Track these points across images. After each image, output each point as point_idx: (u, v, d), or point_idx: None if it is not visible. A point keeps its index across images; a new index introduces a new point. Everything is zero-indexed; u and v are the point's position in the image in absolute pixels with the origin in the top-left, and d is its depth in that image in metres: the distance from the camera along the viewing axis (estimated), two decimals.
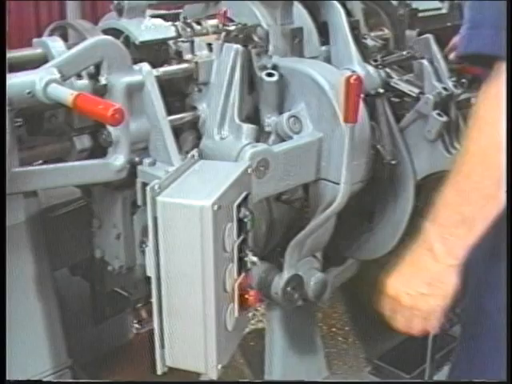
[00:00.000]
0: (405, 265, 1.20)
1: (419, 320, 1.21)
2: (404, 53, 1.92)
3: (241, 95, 1.55)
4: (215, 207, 1.18)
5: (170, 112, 1.52)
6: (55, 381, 1.60)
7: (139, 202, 1.44)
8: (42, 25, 3.57)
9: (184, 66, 1.60)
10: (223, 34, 1.64)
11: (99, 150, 1.48)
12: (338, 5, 1.87)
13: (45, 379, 1.56)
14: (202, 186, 1.24)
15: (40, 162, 1.48)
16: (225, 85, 1.54)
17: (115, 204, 1.58)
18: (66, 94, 1.27)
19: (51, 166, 1.42)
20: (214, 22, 1.77)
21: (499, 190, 1.10)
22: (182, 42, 1.63)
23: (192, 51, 1.62)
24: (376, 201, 1.82)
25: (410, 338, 2.17)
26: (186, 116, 1.60)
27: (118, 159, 1.42)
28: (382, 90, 1.75)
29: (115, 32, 1.62)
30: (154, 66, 1.53)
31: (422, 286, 1.17)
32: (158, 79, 1.50)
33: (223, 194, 1.20)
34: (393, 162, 1.76)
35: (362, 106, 1.56)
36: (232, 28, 1.66)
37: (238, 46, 1.56)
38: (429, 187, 1.85)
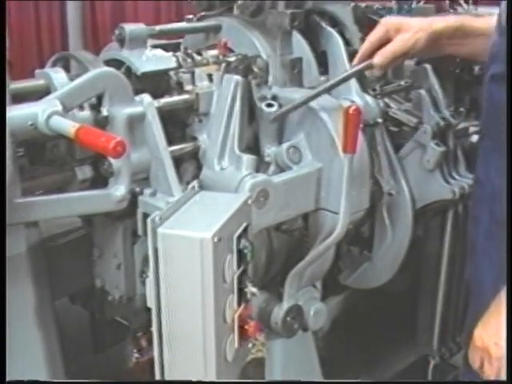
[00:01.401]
0: (491, 315, 1.21)
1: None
2: (402, 82, 1.95)
3: (241, 126, 1.56)
4: (215, 239, 1.19)
5: (170, 142, 1.53)
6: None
7: (140, 232, 1.46)
8: (44, 55, 3.64)
9: (185, 96, 1.62)
10: (223, 64, 1.66)
11: (100, 179, 1.50)
12: (336, 34, 1.90)
13: None
14: (203, 218, 1.25)
15: (41, 191, 1.50)
16: (225, 115, 1.56)
17: (116, 234, 1.59)
18: (68, 126, 1.29)
19: (53, 196, 1.43)
20: (214, 52, 1.80)
21: None
22: (183, 72, 1.65)
23: (193, 82, 1.64)
24: (375, 230, 1.84)
25: (410, 366, 2.20)
26: (186, 146, 1.62)
27: (119, 190, 1.44)
28: (380, 120, 1.78)
29: (117, 62, 1.64)
30: (155, 96, 1.55)
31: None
32: (159, 110, 1.51)
33: (223, 226, 1.22)
34: (391, 192, 1.79)
35: (360, 135, 1.57)
36: (232, 59, 1.68)
37: (239, 77, 1.58)
38: (428, 216, 1.87)
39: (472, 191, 1.60)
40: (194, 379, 1.28)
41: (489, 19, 1.54)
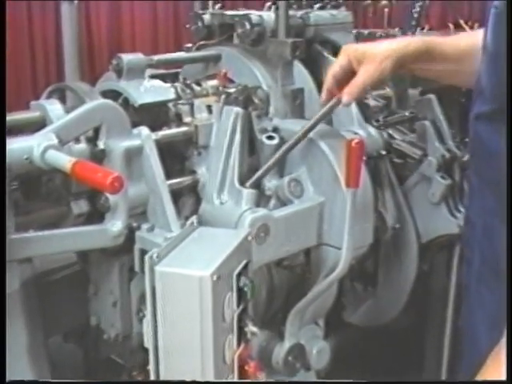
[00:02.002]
0: (488, 370, 1.18)
1: None
2: (406, 113, 1.98)
3: (241, 159, 1.59)
4: (214, 277, 1.20)
5: (169, 176, 1.56)
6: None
7: (137, 269, 1.47)
8: (39, 85, 3.69)
9: (183, 129, 1.65)
10: (223, 96, 1.69)
11: (97, 214, 1.52)
12: None
13: None
14: (202, 255, 1.27)
15: (35, 226, 1.52)
16: (224, 148, 1.59)
17: (112, 270, 1.60)
18: (64, 160, 1.31)
19: (48, 232, 1.45)
20: (213, 82, 1.83)
21: None
22: (182, 104, 1.68)
23: (192, 114, 1.68)
24: (379, 265, 1.86)
25: None
26: (185, 180, 1.65)
27: (115, 225, 1.46)
28: (384, 152, 1.81)
29: (114, 93, 1.67)
30: (153, 128, 1.58)
31: None
32: (157, 143, 1.54)
33: (223, 264, 1.23)
34: (396, 226, 1.80)
35: (363, 168, 1.59)
36: (232, 90, 1.71)
37: (238, 109, 1.61)
38: (433, 251, 1.89)
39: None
40: None
41: (458, 42, 1.51)
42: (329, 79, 1.58)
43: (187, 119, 1.67)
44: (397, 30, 3.00)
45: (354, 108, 1.85)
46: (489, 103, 1.27)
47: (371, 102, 1.97)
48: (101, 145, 1.49)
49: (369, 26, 3.34)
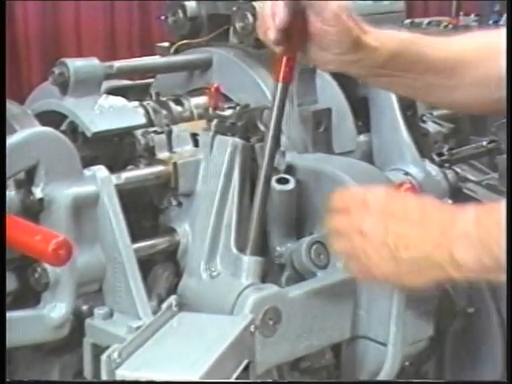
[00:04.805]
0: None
1: None
2: (484, 143, 2.03)
3: (240, 211, 1.64)
4: None
5: (135, 237, 1.60)
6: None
7: (87, 374, 1.51)
8: None
9: (157, 168, 1.70)
10: (215, 120, 1.73)
11: (28, 293, 1.55)
12: None
13: None
14: (183, 354, 1.30)
15: None
16: (217, 196, 1.64)
17: (49, 375, 1.63)
18: None
19: None
20: (201, 99, 1.90)
21: None
22: (155, 132, 1.74)
23: (169, 147, 1.73)
24: (446, 367, 1.88)
25: None
26: (159, 243, 1.70)
27: (56, 310, 1.49)
28: (449, 201, 1.85)
29: (55, 117, 1.74)
30: (114, 168, 1.63)
31: None
32: (119, 189, 1.58)
33: (214, 366, 1.27)
34: (470, 310, 1.83)
35: None
36: (228, 112, 1.75)
37: (237, 140, 1.67)
38: None
39: None
40: None
41: (450, 45, 1.52)
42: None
43: (163, 154, 1.72)
44: (472, 17, 3.07)
45: (404, 136, 1.91)
46: None
47: (431, 127, 2.02)
48: (37, 192, 1.52)
49: (430, 13, 3.41)
